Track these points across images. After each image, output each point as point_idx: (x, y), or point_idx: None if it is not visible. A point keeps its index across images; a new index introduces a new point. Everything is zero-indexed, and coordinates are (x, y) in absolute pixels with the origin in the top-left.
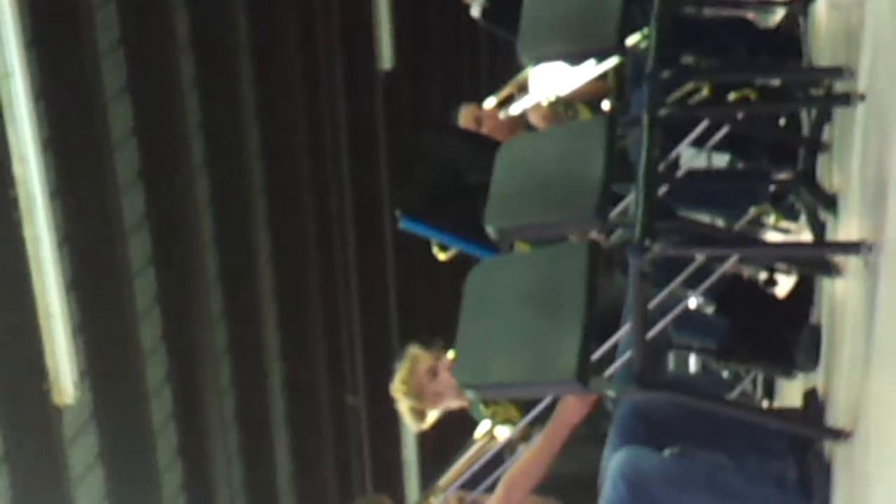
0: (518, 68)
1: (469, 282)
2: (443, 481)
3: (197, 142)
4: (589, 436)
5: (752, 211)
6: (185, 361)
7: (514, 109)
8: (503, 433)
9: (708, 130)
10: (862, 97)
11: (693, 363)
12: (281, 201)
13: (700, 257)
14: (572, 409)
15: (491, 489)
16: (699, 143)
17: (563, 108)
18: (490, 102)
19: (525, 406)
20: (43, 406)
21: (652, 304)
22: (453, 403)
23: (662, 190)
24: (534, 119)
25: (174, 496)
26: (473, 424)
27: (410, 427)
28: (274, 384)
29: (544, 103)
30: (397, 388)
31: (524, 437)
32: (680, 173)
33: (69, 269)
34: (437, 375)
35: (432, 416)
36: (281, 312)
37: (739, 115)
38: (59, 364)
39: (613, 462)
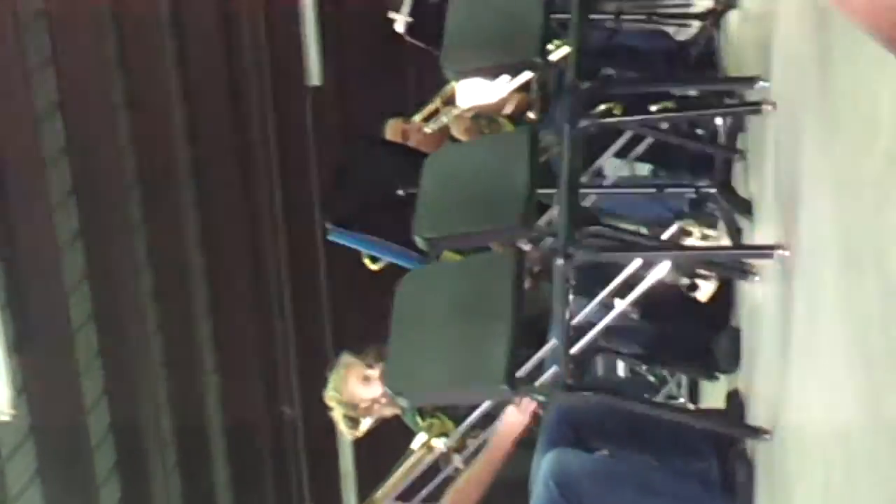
0: (444, 83)
1: (399, 291)
2: (380, 493)
3: (127, 157)
4: (519, 441)
5: (677, 225)
6: (122, 375)
7: (438, 123)
8: (439, 445)
9: (630, 142)
10: (773, 106)
11: (621, 368)
12: (212, 217)
13: (626, 263)
14: (514, 422)
15: (428, 499)
16: (622, 153)
17: (484, 121)
18: (416, 118)
19: (460, 420)
20: None
21: (582, 314)
22: (387, 411)
23: (589, 200)
24: (456, 133)
25: None
26: (410, 434)
27: (345, 435)
28: (210, 398)
29: (467, 116)
30: (331, 396)
31: (459, 448)
32: (607, 182)
33: (5, 286)
34: (370, 383)
35: (366, 424)
36: (214, 327)
37: (660, 126)
38: None
39: (543, 464)
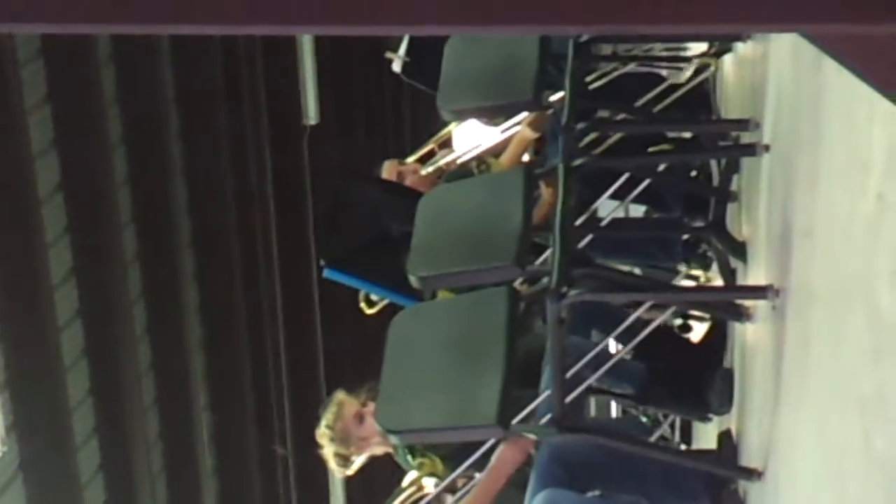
0: (441, 123)
1: (392, 329)
2: None
3: (123, 196)
4: (511, 481)
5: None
6: (113, 414)
7: (434, 165)
8: (430, 484)
9: (626, 183)
10: (767, 148)
11: (614, 408)
12: (208, 253)
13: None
14: (507, 460)
15: None
16: (618, 195)
17: (475, 164)
18: (411, 159)
19: (451, 459)
20: None
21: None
22: (378, 449)
23: (585, 240)
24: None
25: None
26: (401, 472)
27: (335, 473)
28: (202, 435)
29: (462, 160)
30: (323, 434)
31: (452, 489)
32: (604, 223)
33: None
34: (362, 421)
35: (358, 462)
36: (208, 364)
37: (657, 168)
38: None
39: (535, 503)
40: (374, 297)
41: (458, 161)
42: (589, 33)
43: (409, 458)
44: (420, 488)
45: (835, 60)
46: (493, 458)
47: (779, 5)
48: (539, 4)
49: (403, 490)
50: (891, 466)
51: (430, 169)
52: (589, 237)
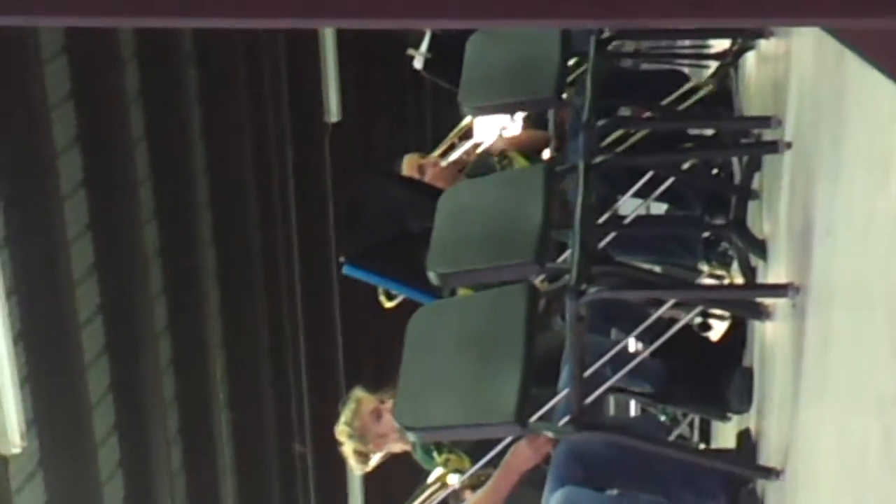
0: (461, 119)
1: (410, 326)
2: None
3: (145, 192)
4: (529, 479)
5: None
6: (133, 411)
7: (454, 157)
8: (454, 481)
9: (649, 181)
10: (789, 145)
11: (633, 407)
12: (229, 250)
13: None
14: (523, 457)
15: None
16: (640, 193)
17: (497, 158)
18: (433, 154)
19: (475, 456)
20: None
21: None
22: (396, 447)
23: (607, 238)
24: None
25: None
26: (419, 469)
27: (354, 470)
28: (221, 433)
29: (480, 150)
30: (341, 431)
31: (473, 485)
32: (627, 220)
33: (17, 319)
34: (380, 417)
35: (375, 459)
36: (228, 361)
37: (679, 166)
38: (6, 414)
39: (552, 502)
40: (393, 291)
41: (479, 150)
42: (609, 28)
43: (435, 454)
44: (444, 486)
45: (858, 56)
46: (509, 453)
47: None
48: None
49: (429, 486)
50: None
51: (451, 159)
52: (611, 235)
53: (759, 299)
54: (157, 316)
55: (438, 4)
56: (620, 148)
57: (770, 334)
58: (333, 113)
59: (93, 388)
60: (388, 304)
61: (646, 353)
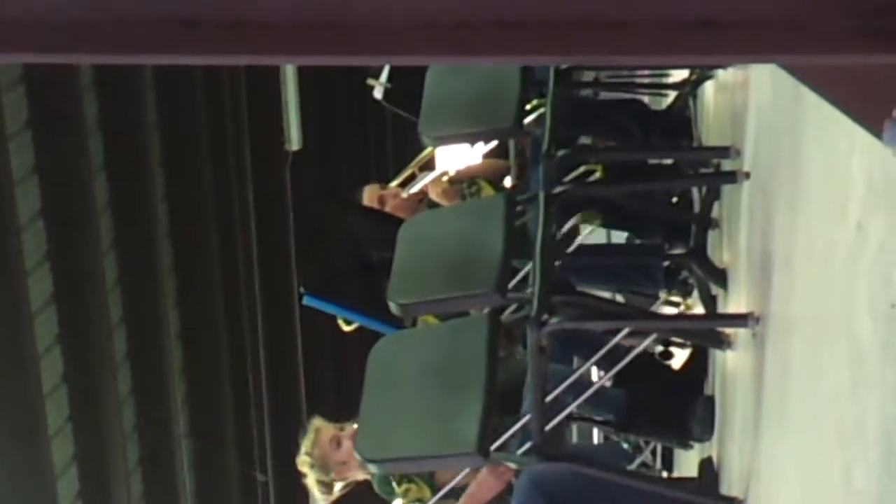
0: (423, 148)
1: (372, 356)
2: None
3: (105, 222)
4: None
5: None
6: (92, 441)
7: (416, 187)
8: None
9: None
10: (747, 175)
11: (596, 435)
12: (190, 278)
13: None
14: (486, 486)
15: None
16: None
17: (465, 185)
18: (392, 184)
19: (438, 487)
20: None
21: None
22: (359, 475)
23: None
24: (434, 196)
25: None
26: (383, 501)
27: (319, 501)
28: (182, 461)
29: (444, 180)
30: (303, 461)
31: None
32: (571, 249)
33: None
34: (340, 445)
35: (338, 488)
36: (189, 389)
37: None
38: None
39: None
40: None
41: (445, 178)
42: (570, 63)
43: (395, 484)
44: None
45: (813, 92)
46: (473, 484)
47: (756, 37)
48: (520, 36)
49: None
50: (869, 501)
51: (413, 191)
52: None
53: (719, 328)
54: (116, 346)
55: (401, 42)
56: (575, 175)
57: (731, 363)
58: (294, 141)
59: (51, 419)
60: (347, 328)
61: (604, 380)
